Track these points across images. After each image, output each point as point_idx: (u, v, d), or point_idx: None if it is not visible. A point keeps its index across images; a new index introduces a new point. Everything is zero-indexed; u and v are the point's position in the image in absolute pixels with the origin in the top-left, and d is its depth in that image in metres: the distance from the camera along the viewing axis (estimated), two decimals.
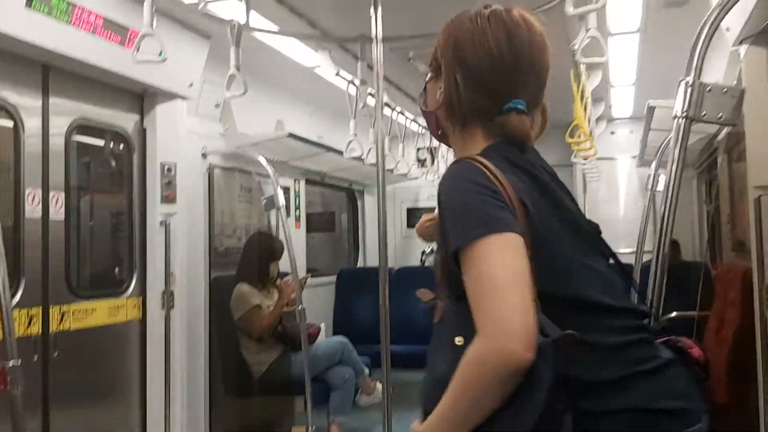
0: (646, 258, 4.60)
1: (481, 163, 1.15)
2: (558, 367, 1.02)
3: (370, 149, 4.33)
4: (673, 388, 1.16)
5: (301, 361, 3.93)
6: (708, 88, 1.51)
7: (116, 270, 3.69)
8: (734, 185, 4.62)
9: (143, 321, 3.64)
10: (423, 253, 6.79)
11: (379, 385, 4.41)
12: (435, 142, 6.16)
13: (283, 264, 4.29)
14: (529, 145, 1.27)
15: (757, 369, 2.64)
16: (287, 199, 5.04)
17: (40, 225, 3.04)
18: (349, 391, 4.37)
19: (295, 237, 4.49)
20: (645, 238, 4.73)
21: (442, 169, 3.77)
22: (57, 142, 3.16)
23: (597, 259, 1.25)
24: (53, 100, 3.15)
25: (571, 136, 3.82)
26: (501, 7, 1.27)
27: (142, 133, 3.70)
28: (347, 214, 7.20)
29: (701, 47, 1.53)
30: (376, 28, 2.75)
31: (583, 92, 3.81)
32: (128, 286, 3.59)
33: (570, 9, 2.31)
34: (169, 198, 3.67)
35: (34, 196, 3.00)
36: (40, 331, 3.01)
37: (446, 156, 6.04)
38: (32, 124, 3.03)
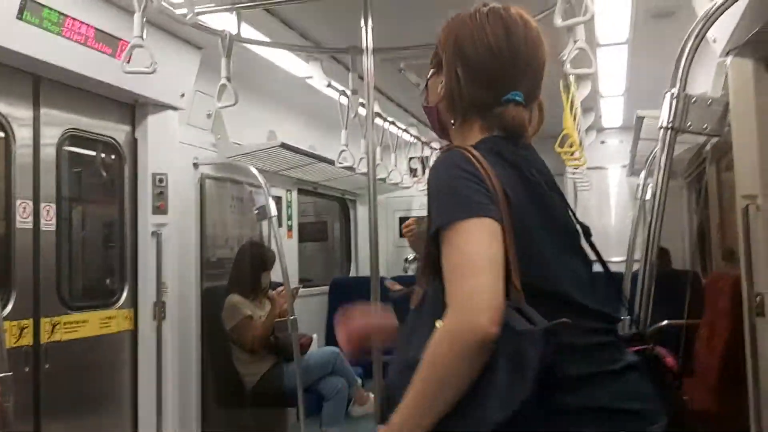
0: (636, 266, 4.62)
1: (470, 152, 1.20)
2: (546, 356, 1.04)
3: (361, 159, 4.34)
4: (634, 389, 1.18)
5: (294, 372, 3.92)
6: (693, 100, 1.53)
7: (107, 281, 3.68)
8: (723, 194, 4.66)
9: (135, 332, 3.63)
10: (406, 260, 6.77)
11: (371, 396, 4.39)
12: (426, 152, 6.18)
13: (276, 274, 4.29)
14: (525, 137, 1.32)
15: (747, 377, 2.65)
16: (279, 209, 5.05)
17: (31, 236, 3.04)
18: (341, 401, 4.36)
19: (287, 247, 4.49)
20: (635, 246, 4.76)
21: None
22: (48, 152, 3.16)
23: (575, 259, 1.28)
24: (44, 111, 3.15)
25: (561, 145, 3.83)
26: (499, 5, 1.33)
27: (134, 143, 3.70)
28: (339, 224, 7.21)
29: (686, 59, 1.55)
30: (367, 40, 2.77)
31: (572, 102, 3.84)
32: (119, 297, 3.58)
33: (558, 21, 2.33)
34: (160, 208, 3.66)
35: (25, 207, 3.00)
36: (32, 342, 3.00)
37: None
38: (23, 135, 3.03)
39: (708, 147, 4.19)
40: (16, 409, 2.49)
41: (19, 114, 3.02)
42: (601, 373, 1.16)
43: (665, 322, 3.89)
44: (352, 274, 7.05)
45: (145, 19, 2.55)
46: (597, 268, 1.43)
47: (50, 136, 3.18)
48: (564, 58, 2.47)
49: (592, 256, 1.38)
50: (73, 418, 3.26)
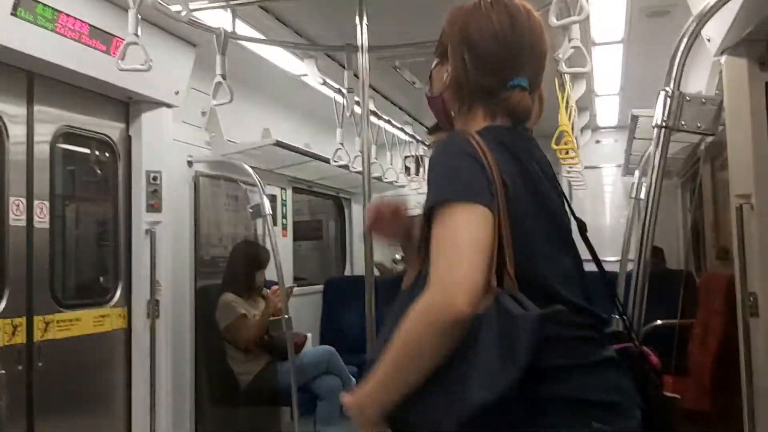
0: (630, 266, 4.63)
1: (473, 138, 1.23)
2: (538, 342, 1.07)
3: (356, 157, 4.34)
4: (609, 382, 1.21)
5: (288, 371, 3.92)
6: (687, 98, 1.53)
7: (101, 279, 3.67)
8: (717, 193, 4.68)
9: (128, 330, 3.61)
10: (394, 260, 6.76)
11: None
12: (421, 151, 6.19)
13: (270, 273, 4.28)
14: (528, 129, 1.36)
15: (740, 376, 2.66)
16: (274, 208, 5.03)
17: (25, 234, 3.02)
18: (336, 400, 4.35)
19: (281, 245, 4.48)
20: (629, 246, 4.77)
21: None
22: (42, 150, 3.14)
23: (565, 254, 1.30)
24: (38, 108, 3.13)
25: (557, 143, 3.84)
26: None
27: (128, 140, 3.68)
28: (334, 223, 7.20)
29: (680, 57, 1.55)
30: (362, 38, 2.76)
31: (567, 101, 3.84)
32: (113, 296, 3.57)
33: (553, 20, 2.33)
34: (154, 206, 3.65)
35: (18, 205, 2.98)
36: (25, 340, 2.98)
37: None
38: (17, 132, 3.02)
39: (702, 146, 4.20)
40: (9, 408, 2.49)
41: (13, 111, 3.01)
42: (579, 366, 1.18)
43: (659, 321, 3.90)
44: (347, 272, 7.04)
45: (139, 16, 2.55)
46: (592, 267, 1.44)
47: (44, 133, 3.16)
48: (559, 57, 2.47)
49: (587, 253, 1.40)
50: (67, 417, 3.25)
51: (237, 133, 4.52)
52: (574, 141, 4.20)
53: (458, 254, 1.11)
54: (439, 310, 1.09)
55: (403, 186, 6.30)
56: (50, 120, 3.21)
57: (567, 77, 3.67)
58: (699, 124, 1.53)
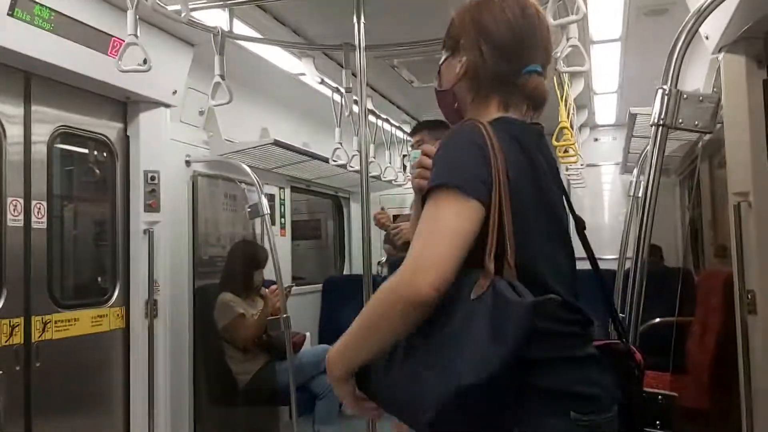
0: (629, 264, 4.63)
1: (485, 127, 1.26)
2: (530, 328, 1.10)
3: (354, 156, 4.33)
4: (590, 377, 1.25)
5: (286, 370, 3.91)
6: (684, 96, 1.53)
7: (99, 279, 3.66)
8: (715, 191, 4.68)
9: (126, 330, 3.61)
10: (378, 263, 6.72)
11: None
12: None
13: (269, 272, 4.28)
14: (539, 126, 1.40)
15: (739, 374, 2.66)
16: (272, 207, 5.03)
17: (22, 234, 3.02)
18: (334, 400, 4.35)
19: (280, 245, 4.48)
20: (627, 244, 4.77)
21: None
22: (39, 150, 3.14)
23: (559, 249, 1.34)
24: (35, 108, 3.13)
25: (558, 139, 3.84)
26: None
27: (126, 140, 3.68)
28: (333, 222, 7.19)
29: (678, 55, 1.55)
30: (360, 37, 2.76)
31: (566, 100, 3.84)
32: (111, 296, 3.57)
33: (551, 19, 2.33)
34: (152, 206, 3.65)
35: (16, 205, 2.98)
36: (22, 341, 2.98)
37: None
38: (14, 132, 3.01)
39: (700, 144, 4.20)
40: (7, 408, 2.49)
41: (10, 111, 3.00)
42: (565, 360, 1.22)
43: (657, 319, 3.90)
44: (346, 272, 7.04)
45: (138, 17, 2.54)
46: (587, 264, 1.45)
47: (41, 133, 3.16)
48: (557, 56, 2.47)
49: (583, 251, 1.43)
50: (65, 417, 3.24)
51: (235, 132, 4.52)
52: (574, 138, 4.20)
53: (436, 240, 1.16)
54: (404, 288, 1.14)
55: (401, 185, 6.30)
56: (48, 120, 3.21)
57: (565, 75, 3.66)
58: (697, 122, 1.53)
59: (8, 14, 2.68)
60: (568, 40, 2.43)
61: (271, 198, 5.17)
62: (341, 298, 6.04)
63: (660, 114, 1.55)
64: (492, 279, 1.17)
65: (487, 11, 1.38)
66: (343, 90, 3.73)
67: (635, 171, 4.68)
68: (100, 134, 3.55)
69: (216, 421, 4.27)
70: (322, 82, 4.20)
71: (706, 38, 2.73)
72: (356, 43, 2.77)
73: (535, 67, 1.36)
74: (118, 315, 3.57)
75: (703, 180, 4.84)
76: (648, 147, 1.68)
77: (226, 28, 3.09)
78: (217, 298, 4.19)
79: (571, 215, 1.43)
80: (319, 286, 6.26)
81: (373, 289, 2.71)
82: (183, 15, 2.62)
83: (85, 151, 3.63)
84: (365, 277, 2.71)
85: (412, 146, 3.87)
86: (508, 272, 1.19)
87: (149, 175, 3.65)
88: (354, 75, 3.00)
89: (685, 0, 2.86)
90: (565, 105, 3.84)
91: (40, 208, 3.10)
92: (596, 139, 6.83)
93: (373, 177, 5.24)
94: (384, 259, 6.03)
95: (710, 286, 3.90)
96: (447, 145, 1.28)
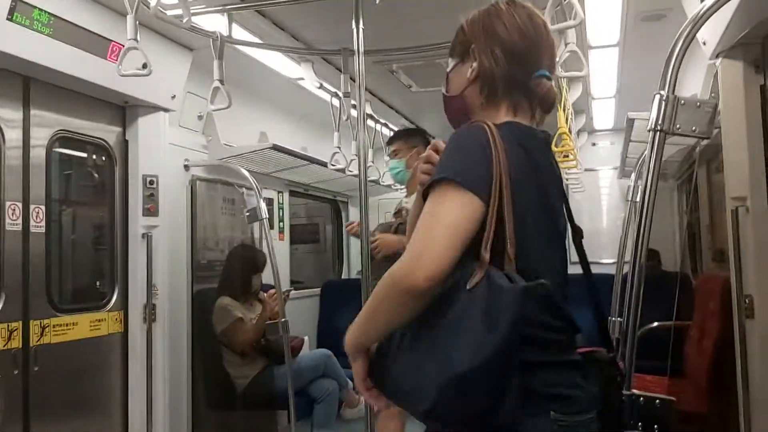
0: (627, 268, 4.63)
1: (491, 129, 1.30)
2: (520, 314, 1.14)
3: (352, 160, 4.34)
4: (572, 380, 1.29)
5: (285, 375, 3.91)
6: (682, 102, 1.53)
7: (97, 283, 3.66)
8: (713, 196, 4.69)
9: (125, 334, 3.61)
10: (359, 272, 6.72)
11: (362, 398, 4.39)
12: None
13: (267, 276, 4.27)
14: (547, 134, 1.44)
15: (736, 378, 2.66)
16: (271, 211, 5.03)
17: (21, 238, 3.01)
18: (332, 404, 4.35)
19: (278, 249, 4.48)
20: (625, 248, 4.77)
21: None
22: (38, 154, 3.14)
23: (555, 253, 1.38)
24: (34, 112, 3.13)
25: (556, 145, 3.86)
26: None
27: (124, 145, 3.68)
28: (332, 226, 7.19)
29: (675, 61, 1.56)
30: (358, 41, 2.76)
31: (564, 105, 3.86)
32: (110, 300, 3.56)
33: (549, 25, 2.34)
34: (151, 210, 3.65)
35: (14, 209, 2.98)
36: (21, 345, 2.98)
37: None
38: (13, 136, 3.01)
39: (698, 149, 4.21)
40: (6, 412, 2.48)
41: (9, 115, 3.00)
42: (549, 363, 1.26)
43: (655, 323, 3.91)
44: (344, 276, 7.04)
45: (137, 22, 2.55)
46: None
47: (40, 137, 3.16)
48: (555, 61, 2.48)
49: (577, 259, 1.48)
50: (63, 422, 3.24)
51: (234, 136, 4.52)
52: (573, 144, 4.22)
53: (434, 232, 1.20)
54: (399, 278, 1.19)
55: (398, 189, 6.30)
56: (46, 124, 3.21)
57: (564, 81, 3.68)
58: (694, 128, 1.54)
59: (7, 18, 2.69)
60: (566, 45, 2.44)
61: (269, 202, 5.17)
62: (339, 302, 6.04)
63: (657, 119, 1.55)
64: (487, 269, 1.20)
65: (498, 18, 1.44)
66: (341, 94, 3.74)
67: (633, 175, 4.69)
68: (99, 138, 3.55)
69: (214, 425, 4.26)
70: (321, 86, 4.21)
71: (704, 44, 2.74)
72: (355, 47, 2.78)
73: (545, 72, 1.42)
74: (116, 319, 3.56)
75: (700, 185, 4.86)
76: (646, 152, 1.68)
77: (225, 32, 3.10)
78: (215, 302, 4.19)
79: (569, 224, 1.47)
80: (318, 290, 6.26)
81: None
82: (185, 20, 2.62)
83: (84, 155, 3.64)
84: (363, 281, 2.71)
85: (389, 155, 3.85)
86: (508, 266, 1.23)
87: (148, 179, 3.65)
88: (352, 79, 3.00)
89: (683, 6, 2.88)
90: (564, 110, 3.85)
91: (38, 213, 3.10)
92: (594, 144, 6.84)
93: (372, 181, 5.24)
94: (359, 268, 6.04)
95: (708, 290, 3.91)
96: (453, 143, 1.32)
